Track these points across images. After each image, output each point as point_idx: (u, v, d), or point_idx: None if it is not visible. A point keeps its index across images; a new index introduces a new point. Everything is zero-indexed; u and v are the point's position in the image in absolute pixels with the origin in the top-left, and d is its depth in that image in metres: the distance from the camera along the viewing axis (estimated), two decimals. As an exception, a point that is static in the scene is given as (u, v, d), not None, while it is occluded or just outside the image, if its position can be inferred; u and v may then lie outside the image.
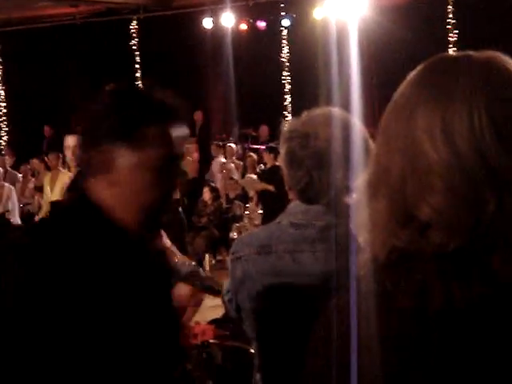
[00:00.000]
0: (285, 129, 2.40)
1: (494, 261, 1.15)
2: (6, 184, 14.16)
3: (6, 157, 17.46)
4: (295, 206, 2.41)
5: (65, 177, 13.62)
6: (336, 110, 2.42)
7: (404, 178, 1.20)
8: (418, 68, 1.28)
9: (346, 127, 2.32)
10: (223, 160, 15.69)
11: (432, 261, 1.17)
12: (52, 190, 11.57)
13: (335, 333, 1.25)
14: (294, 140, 2.35)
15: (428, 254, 1.17)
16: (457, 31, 17.25)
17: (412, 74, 1.28)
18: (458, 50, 16.67)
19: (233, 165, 15.69)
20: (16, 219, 13.82)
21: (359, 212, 1.26)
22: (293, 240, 2.35)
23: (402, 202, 1.20)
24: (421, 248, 1.18)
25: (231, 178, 14.87)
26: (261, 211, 12.96)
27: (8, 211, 13.63)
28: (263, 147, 16.45)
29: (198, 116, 18.10)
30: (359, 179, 1.28)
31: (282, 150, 2.39)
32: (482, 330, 1.14)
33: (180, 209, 11.50)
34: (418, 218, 1.18)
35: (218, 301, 2.62)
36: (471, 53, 1.27)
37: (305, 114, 2.42)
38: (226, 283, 2.56)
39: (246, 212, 13.34)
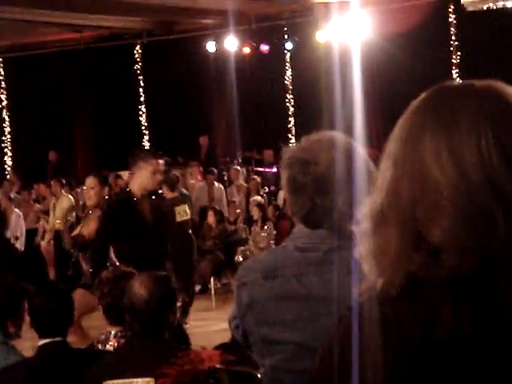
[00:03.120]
0: (285, 155, 2.41)
1: (503, 287, 1.15)
2: (16, 210, 14.19)
3: (14, 182, 17.50)
4: (299, 230, 2.41)
5: (64, 200, 13.64)
6: (335, 134, 2.43)
7: (414, 201, 1.21)
8: (422, 96, 1.29)
9: (346, 151, 2.33)
10: (216, 184, 15.65)
11: (443, 288, 1.18)
12: (54, 214, 11.59)
13: (338, 358, 1.26)
14: (294, 166, 2.36)
15: (440, 279, 1.18)
16: (459, 53, 17.29)
17: (416, 102, 1.29)
18: (461, 72, 16.72)
19: (234, 188, 15.69)
20: (21, 245, 13.84)
21: (365, 240, 1.26)
22: (298, 263, 2.36)
23: (412, 227, 1.21)
24: (433, 273, 1.18)
25: (231, 201, 14.87)
26: (267, 231, 12.96)
27: (17, 238, 13.66)
28: (267, 170, 16.47)
29: (204, 141, 18.13)
30: (364, 207, 1.28)
31: (284, 177, 2.39)
32: (487, 357, 1.14)
33: (190, 231, 11.47)
34: (430, 241, 1.19)
35: (224, 325, 2.62)
36: (473, 81, 1.29)
37: (304, 140, 2.43)
38: (231, 309, 2.56)
39: (251, 235, 13.33)
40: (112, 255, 8.45)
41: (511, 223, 1.16)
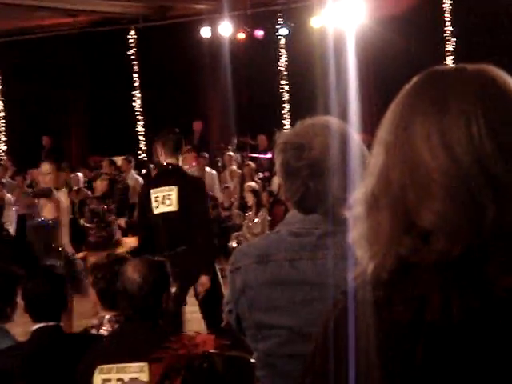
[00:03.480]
0: (279, 140, 2.40)
1: (492, 270, 1.16)
2: (8, 195, 14.19)
3: (8, 167, 17.48)
4: (293, 215, 2.41)
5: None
6: (329, 119, 2.43)
7: (404, 186, 1.22)
8: (413, 80, 1.30)
9: (340, 136, 2.33)
10: (208, 169, 15.66)
11: (433, 271, 1.18)
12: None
13: (333, 342, 1.26)
14: (288, 151, 2.35)
15: (430, 263, 1.18)
16: (454, 39, 17.28)
17: (407, 86, 1.29)
18: (456, 57, 16.72)
19: (228, 173, 15.69)
20: (13, 230, 13.85)
21: (358, 225, 1.26)
22: (292, 248, 2.36)
23: (403, 211, 1.21)
24: (423, 257, 1.19)
25: (226, 187, 14.88)
26: (269, 218, 12.99)
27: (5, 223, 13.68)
28: (262, 156, 16.47)
29: (197, 126, 18.11)
30: (357, 191, 1.28)
31: (277, 162, 2.39)
32: (476, 342, 1.15)
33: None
34: (420, 225, 1.19)
35: (218, 310, 2.62)
36: (465, 65, 1.29)
37: (298, 124, 2.42)
38: (225, 294, 2.56)
39: (245, 221, 13.34)
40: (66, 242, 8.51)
41: (501, 207, 1.17)
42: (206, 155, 15.77)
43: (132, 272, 3.85)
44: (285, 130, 2.93)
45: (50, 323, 4.13)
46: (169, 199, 7.04)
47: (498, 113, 1.21)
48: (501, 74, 1.27)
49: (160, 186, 7.12)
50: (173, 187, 7.05)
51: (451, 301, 1.16)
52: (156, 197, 7.07)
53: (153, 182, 7.84)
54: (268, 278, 2.37)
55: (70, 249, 8.68)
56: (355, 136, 2.38)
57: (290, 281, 2.34)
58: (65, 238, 8.64)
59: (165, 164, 7.20)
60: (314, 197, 2.32)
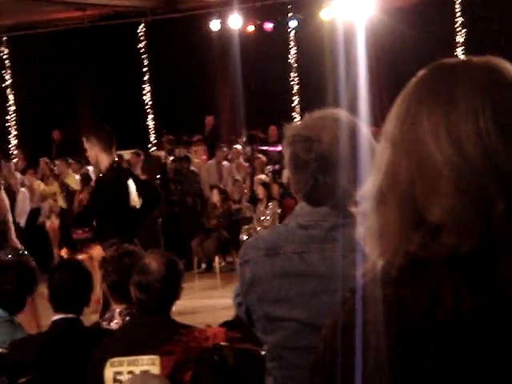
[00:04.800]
0: (287, 133, 2.40)
1: (503, 265, 1.15)
2: (22, 189, 14.23)
3: (17, 160, 17.52)
4: (302, 208, 2.41)
5: (71, 180, 13.70)
6: (338, 112, 2.42)
7: (412, 181, 1.21)
8: (419, 74, 1.29)
9: (350, 129, 2.32)
10: (224, 163, 15.71)
11: (443, 268, 1.17)
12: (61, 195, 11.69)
13: (342, 341, 1.26)
14: (297, 144, 2.35)
15: (440, 259, 1.18)
16: (465, 30, 17.21)
17: (414, 80, 1.28)
18: (466, 48, 16.65)
19: (236, 167, 15.70)
20: (22, 222, 13.89)
21: (366, 221, 1.25)
22: (300, 241, 2.36)
23: (412, 206, 1.20)
24: (433, 253, 1.18)
25: (236, 180, 14.89)
26: (279, 210, 13.00)
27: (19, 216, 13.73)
28: (272, 148, 16.46)
29: (209, 121, 18.11)
30: (365, 187, 1.27)
31: (286, 155, 2.39)
32: (489, 337, 1.14)
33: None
34: (429, 220, 1.18)
35: (229, 302, 2.63)
36: (471, 57, 1.28)
37: (307, 117, 2.42)
38: (235, 286, 2.57)
39: (256, 214, 13.35)
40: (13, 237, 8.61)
41: (510, 202, 1.16)
42: (224, 148, 15.80)
43: (154, 264, 3.89)
44: (293, 123, 2.91)
45: (70, 315, 4.18)
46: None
47: (505, 106, 1.20)
48: (508, 66, 1.26)
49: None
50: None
51: (463, 298, 1.15)
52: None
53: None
54: (277, 270, 2.37)
55: (18, 245, 8.86)
56: (364, 129, 2.38)
57: (298, 273, 2.34)
58: (12, 234, 8.87)
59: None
60: (323, 189, 2.32)
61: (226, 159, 16.14)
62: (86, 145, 7.37)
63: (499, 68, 1.25)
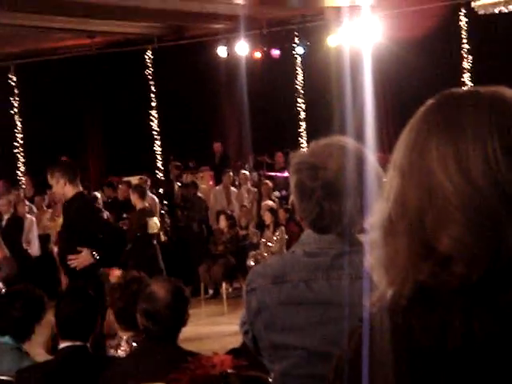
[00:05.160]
0: (293, 160, 2.41)
1: None
2: (29, 216, 14.24)
3: (25, 187, 17.54)
4: (308, 235, 2.41)
5: None
6: (345, 139, 2.43)
7: (422, 210, 1.21)
8: (427, 103, 1.29)
9: (355, 156, 2.33)
10: (232, 188, 15.71)
11: (453, 297, 1.17)
12: None
13: (349, 369, 1.25)
14: (302, 172, 2.35)
15: (450, 288, 1.17)
16: (471, 56, 17.25)
17: (422, 109, 1.29)
18: (473, 77, 16.67)
19: (244, 192, 15.70)
20: (35, 250, 13.90)
21: (375, 250, 1.25)
22: (307, 268, 2.36)
23: (421, 236, 1.20)
24: (442, 282, 1.18)
25: (243, 206, 14.89)
26: (286, 236, 12.99)
27: (29, 242, 13.73)
28: (279, 174, 16.48)
29: (217, 147, 18.14)
30: (373, 216, 1.27)
31: (292, 182, 2.39)
32: (500, 366, 1.14)
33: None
34: (439, 250, 1.18)
35: (236, 329, 2.63)
36: (478, 87, 1.29)
37: (313, 144, 2.43)
38: (241, 314, 2.56)
39: (263, 240, 13.34)
40: None
41: None
42: (231, 173, 15.82)
43: (163, 292, 3.88)
44: (300, 150, 2.93)
45: (77, 343, 4.17)
46: None
47: None
48: None
49: None
50: None
51: (473, 325, 1.15)
52: None
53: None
54: (283, 298, 2.36)
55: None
56: (371, 157, 2.38)
57: (305, 301, 2.33)
58: None
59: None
60: (329, 217, 2.32)
61: (233, 185, 16.15)
62: (51, 181, 7.46)
63: (505, 97, 1.25)
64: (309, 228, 2.39)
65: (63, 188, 7.37)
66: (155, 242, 12.00)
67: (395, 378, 1.19)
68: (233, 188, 15.63)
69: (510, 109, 1.24)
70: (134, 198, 12.28)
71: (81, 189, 7.57)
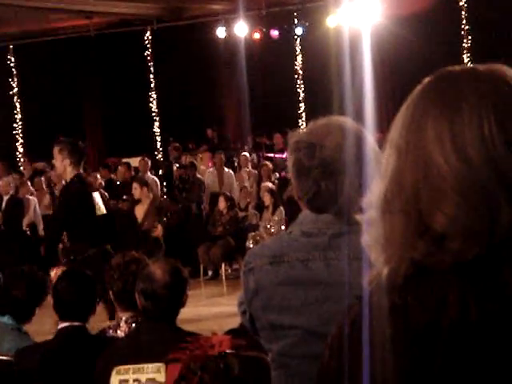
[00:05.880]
0: (291, 139, 2.40)
1: (508, 271, 1.15)
2: (31, 197, 14.26)
3: (23, 169, 17.55)
4: (305, 215, 2.41)
5: None
6: (342, 119, 2.42)
7: (417, 189, 1.21)
8: (424, 81, 1.29)
9: (353, 136, 2.32)
10: (226, 169, 15.66)
11: (448, 275, 1.18)
12: None
13: (348, 347, 1.26)
14: (300, 150, 2.34)
15: (445, 266, 1.18)
16: (470, 37, 17.21)
17: (419, 87, 1.29)
18: (472, 55, 16.64)
19: (245, 174, 15.69)
20: (40, 230, 13.96)
21: (371, 228, 1.26)
22: (304, 248, 2.35)
23: (416, 214, 1.20)
24: (438, 260, 1.18)
25: (243, 187, 14.89)
26: (278, 217, 12.99)
27: (33, 224, 13.77)
28: (278, 155, 16.47)
29: (210, 133, 18.13)
30: (370, 194, 1.28)
31: (290, 161, 2.39)
32: (495, 344, 1.14)
33: None
34: (434, 228, 1.19)
35: (235, 310, 2.62)
36: (476, 65, 1.29)
37: (311, 124, 2.43)
38: (239, 294, 2.56)
39: (262, 221, 13.34)
40: None
41: None
42: (222, 155, 15.79)
43: (161, 272, 3.89)
44: (298, 130, 2.91)
45: (76, 323, 4.18)
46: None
47: (509, 114, 1.20)
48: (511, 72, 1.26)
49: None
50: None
51: (468, 303, 1.15)
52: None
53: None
54: (281, 278, 2.36)
55: None
56: (369, 137, 2.38)
57: (302, 281, 2.33)
58: None
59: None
60: (326, 196, 2.32)
61: (232, 166, 16.13)
62: (56, 155, 7.53)
63: (504, 76, 1.25)
64: (306, 207, 2.39)
65: (65, 167, 7.50)
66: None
67: (393, 353, 1.19)
68: (226, 169, 15.58)
69: (507, 87, 1.23)
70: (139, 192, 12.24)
71: (81, 171, 7.65)
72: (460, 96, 1.22)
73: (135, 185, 12.37)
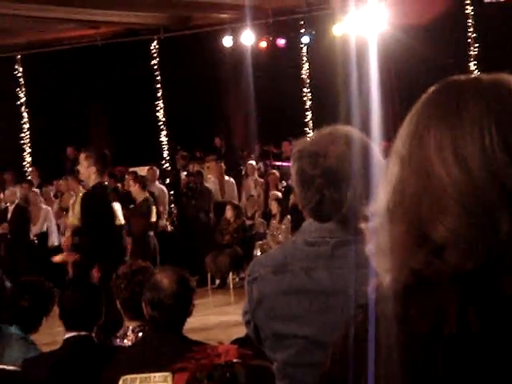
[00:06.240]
0: (295, 148, 2.41)
1: (508, 282, 1.15)
2: (44, 206, 14.28)
3: (31, 178, 17.58)
4: (309, 224, 2.41)
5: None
6: (347, 128, 2.42)
7: (419, 199, 1.21)
8: (429, 91, 1.29)
9: (357, 144, 2.32)
10: (226, 178, 15.63)
11: (448, 285, 1.18)
12: (73, 211, 11.78)
13: (352, 353, 1.26)
14: (303, 159, 2.35)
15: (445, 276, 1.18)
16: (477, 44, 17.20)
17: (423, 97, 1.29)
18: (479, 64, 16.63)
19: (252, 182, 15.69)
20: (53, 239, 13.97)
21: (376, 237, 1.26)
22: (307, 257, 2.35)
23: (417, 224, 1.20)
24: (437, 271, 1.18)
25: (250, 196, 14.89)
26: (285, 225, 12.98)
27: (44, 233, 13.79)
28: (285, 164, 16.47)
29: (218, 142, 18.14)
30: (374, 204, 1.28)
31: (293, 170, 2.39)
32: (495, 353, 1.14)
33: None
34: (434, 239, 1.19)
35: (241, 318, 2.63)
36: (480, 75, 1.28)
37: (315, 133, 2.43)
38: (244, 304, 2.56)
39: (269, 229, 13.34)
40: None
41: None
42: (222, 164, 15.79)
43: (166, 281, 3.88)
44: (302, 138, 2.91)
45: (82, 333, 4.18)
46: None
47: (511, 126, 1.19)
48: None
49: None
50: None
51: (468, 312, 1.15)
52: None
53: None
54: (285, 287, 2.36)
55: None
56: (373, 146, 2.38)
57: (306, 290, 2.33)
58: None
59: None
60: (330, 205, 2.32)
61: (239, 175, 16.12)
62: (83, 162, 7.59)
63: (508, 86, 1.24)
64: (310, 216, 2.39)
65: (90, 174, 7.56)
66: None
67: (396, 363, 1.19)
68: (227, 178, 15.55)
69: (510, 98, 1.23)
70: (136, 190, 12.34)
71: (105, 180, 7.73)
72: (462, 106, 1.22)
73: (128, 177, 12.61)
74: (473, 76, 1.30)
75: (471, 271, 1.16)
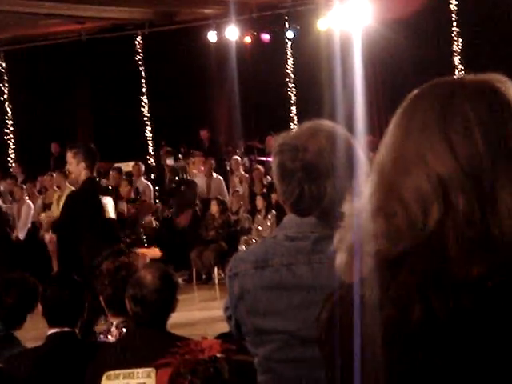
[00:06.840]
0: (275, 143, 2.41)
1: (474, 271, 1.17)
2: (28, 201, 14.26)
3: (15, 174, 17.53)
4: (289, 219, 2.41)
5: (68, 192, 13.77)
6: (328, 122, 2.43)
7: (403, 193, 1.24)
8: (415, 92, 1.32)
9: (337, 139, 2.33)
10: (214, 175, 15.61)
11: (413, 272, 1.20)
12: (58, 206, 11.76)
13: (338, 326, 1.30)
14: (284, 153, 2.35)
15: (399, 254, 1.22)
16: (461, 40, 17.24)
17: (411, 96, 1.32)
18: (463, 58, 16.68)
19: (236, 178, 15.70)
20: (23, 235, 13.94)
21: (366, 225, 1.28)
22: (288, 253, 2.36)
23: (408, 215, 1.23)
24: (395, 251, 1.22)
25: (235, 191, 14.89)
26: (270, 220, 13.00)
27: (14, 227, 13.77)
28: (270, 159, 16.48)
29: (204, 134, 18.10)
30: (359, 197, 1.31)
31: (274, 164, 2.39)
32: (463, 340, 1.17)
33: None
34: (428, 226, 1.21)
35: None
36: (466, 77, 1.32)
37: (297, 128, 2.44)
38: (225, 300, 2.56)
39: (254, 224, 13.35)
40: None
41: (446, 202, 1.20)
42: (212, 161, 15.79)
43: (149, 277, 3.89)
44: (283, 133, 2.92)
45: (65, 329, 4.17)
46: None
47: (494, 127, 1.23)
48: (504, 83, 1.29)
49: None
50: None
51: (430, 300, 1.18)
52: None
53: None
54: (265, 282, 2.37)
55: None
56: (355, 142, 2.39)
57: (287, 285, 2.34)
58: None
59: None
60: (310, 199, 2.32)
61: (222, 170, 16.12)
62: (71, 159, 7.57)
63: (494, 87, 1.28)
64: (290, 211, 2.39)
65: (81, 171, 7.55)
66: None
67: (380, 349, 1.22)
68: (215, 175, 15.55)
69: (496, 98, 1.26)
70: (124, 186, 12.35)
71: (94, 175, 7.70)
72: (447, 110, 1.25)
73: (112, 172, 12.59)
74: (459, 77, 1.34)
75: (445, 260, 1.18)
